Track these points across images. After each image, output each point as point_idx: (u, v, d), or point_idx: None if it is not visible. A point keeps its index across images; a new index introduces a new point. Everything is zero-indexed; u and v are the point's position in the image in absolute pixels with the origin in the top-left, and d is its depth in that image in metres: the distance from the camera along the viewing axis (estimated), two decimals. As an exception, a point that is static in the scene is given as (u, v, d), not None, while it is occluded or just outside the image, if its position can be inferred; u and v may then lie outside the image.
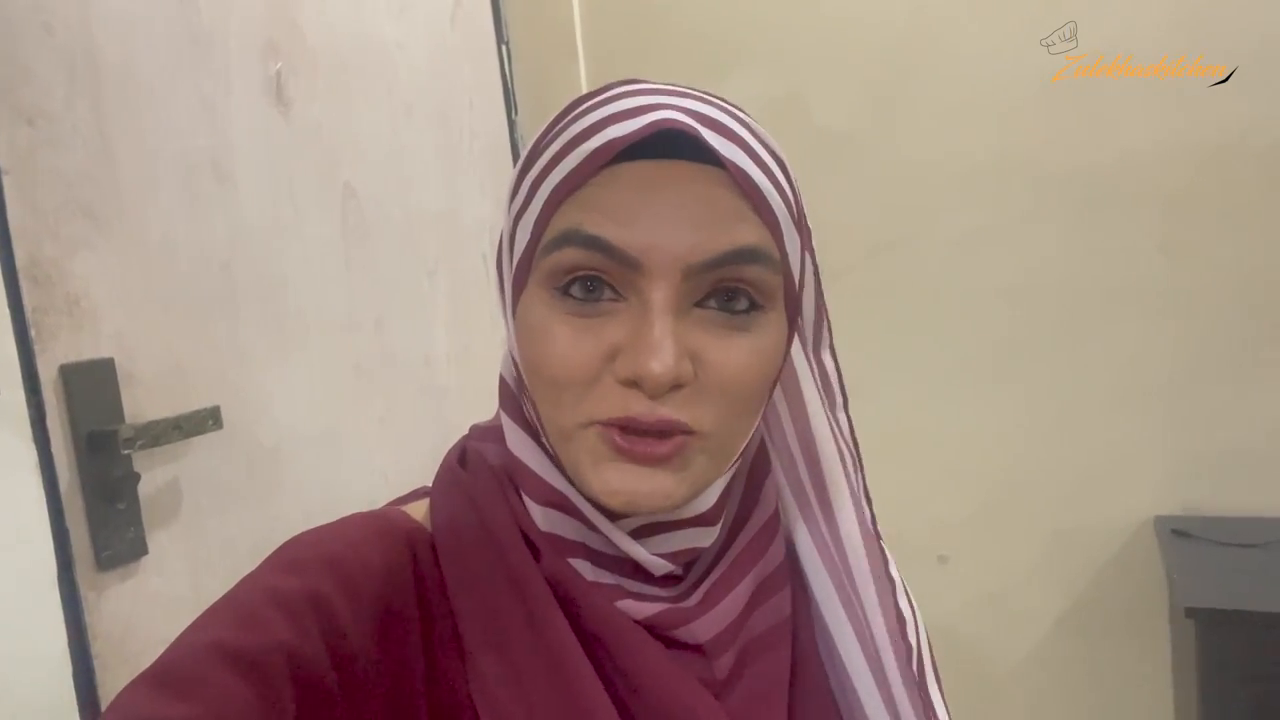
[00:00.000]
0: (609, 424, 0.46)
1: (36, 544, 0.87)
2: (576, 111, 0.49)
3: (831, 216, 1.81)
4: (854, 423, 0.59)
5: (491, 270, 1.65)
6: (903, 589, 0.57)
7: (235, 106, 1.14)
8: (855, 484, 0.58)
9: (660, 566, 0.51)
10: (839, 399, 0.58)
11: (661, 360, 0.43)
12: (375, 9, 1.43)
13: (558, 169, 0.47)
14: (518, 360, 0.51)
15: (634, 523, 0.51)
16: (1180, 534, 1.55)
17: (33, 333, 0.87)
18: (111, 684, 0.90)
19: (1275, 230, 1.56)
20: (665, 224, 0.44)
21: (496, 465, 0.54)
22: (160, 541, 0.99)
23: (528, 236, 0.48)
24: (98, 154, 0.95)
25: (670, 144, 0.45)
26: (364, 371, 1.35)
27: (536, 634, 0.48)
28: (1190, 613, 1.30)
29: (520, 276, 0.49)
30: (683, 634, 0.50)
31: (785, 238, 0.48)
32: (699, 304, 0.46)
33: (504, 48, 1.84)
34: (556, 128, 0.49)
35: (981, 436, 1.78)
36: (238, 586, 0.47)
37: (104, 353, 0.93)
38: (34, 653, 0.86)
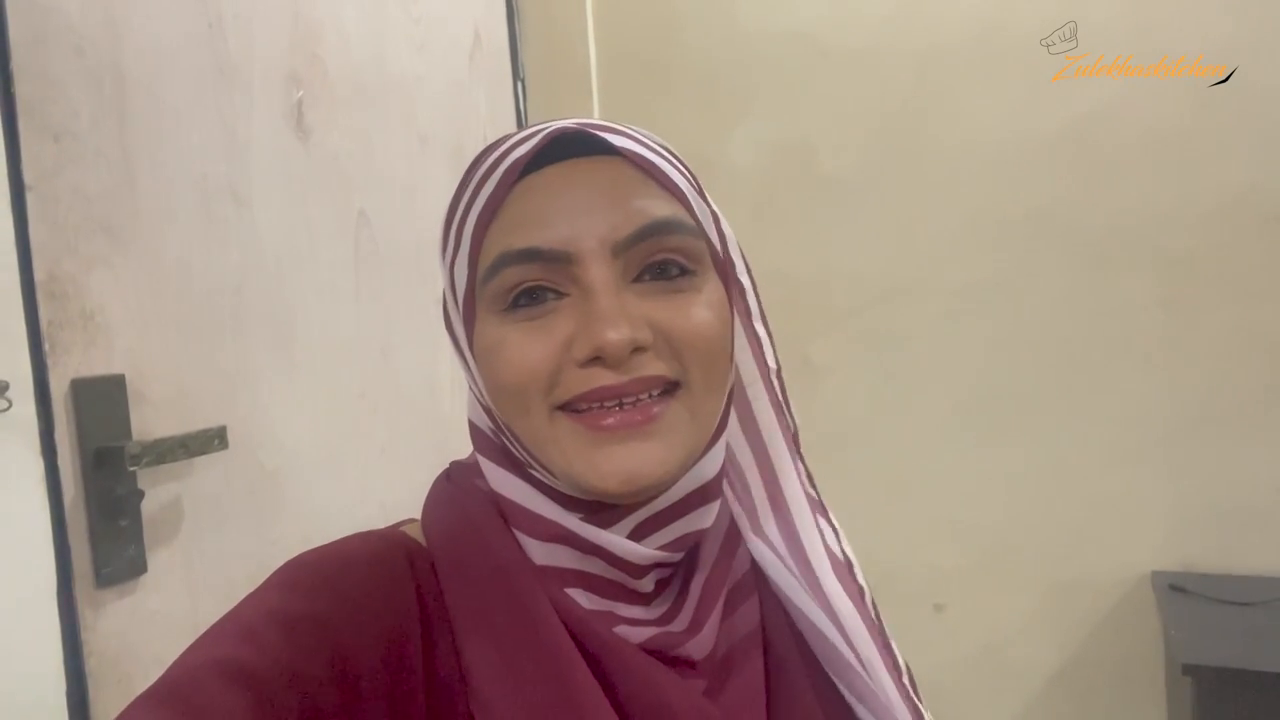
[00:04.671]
0: (580, 402, 0.47)
1: (38, 558, 0.87)
2: (482, 156, 0.52)
3: (835, 263, 1.84)
4: (786, 389, 0.60)
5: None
6: (843, 534, 0.59)
7: (256, 133, 1.16)
8: (795, 459, 0.59)
9: (666, 558, 0.51)
10: (774, 366, 0.59)
11: (617, 328, 0.45)
12: (396, 42, 1.46)
13: (475, 205, 0.50)
14: (483, 390, 0.52)
15: (634, 520, 0.51)
16: (1178, 590, 1.54)
17: (46, 346, 0.88)
18: (104, 702, 0.90)
19: (1275, 288, 1.58)
20: (583, 213, 0.47)
21: (486, 491, 0.54)
22: (159, 560, 0.98)
23: (465, 273, 0.50)
24: (120, 174, 0.97)
25: (567, 150, 0.49)
26: (368, 399, 1.35)
27: (538, 649, 0.48)
28: (1188, 670, 1.29)
29: (468, 313, 0.51)
30: (678, 654, 0.51)
31: (695, 207, 0.51)
32: (636, 280, 0.49)
33: (520, 84, 1.87)
34: (468, 176, 0.52)
35: (980, 487, 1.78)
36: (241, 605, 0.47)
37: (115, 369, 0.94)
38: (28, 668, 0.86)
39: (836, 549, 0.57)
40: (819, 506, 0.59)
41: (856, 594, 0.55)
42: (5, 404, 0.84)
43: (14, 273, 0.86)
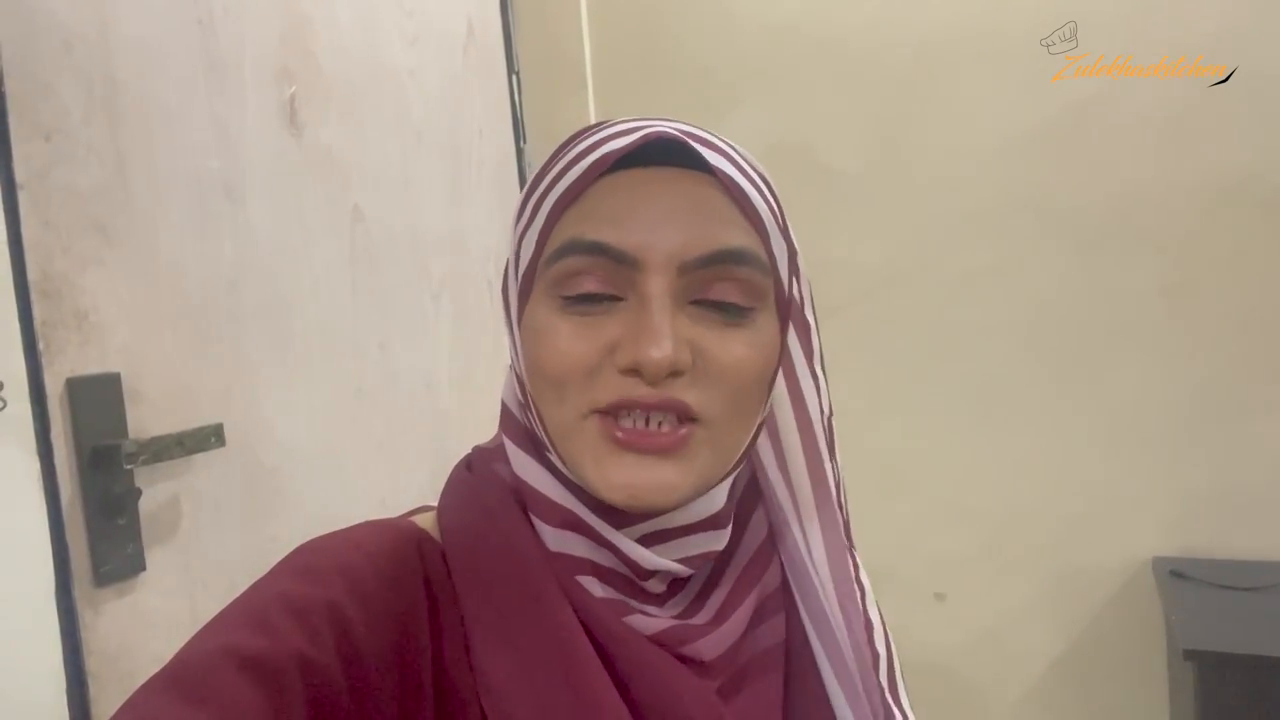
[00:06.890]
0: (610, 409, 0.47)
1: (36, 558, 0.87)
2: (578, 137, 0.52)
3: (834, 252, 1.84)
4: (835, 432, 0.60)
5: (496, 296, 1.66)
6: (871, 596, 0.58)
7: (249, 129, 1.15)
8: (837, 495, 0.59)
9: (677, 570, 0.51)
10: (827, 411, 0.59)
11: (660, 347, 0.45)
12: (389, 37, 1.46)
13: (559, 185, 0.50)
14: (522, 369, 0.52)
15: (644, 529, 0.51)
16: (1179, 575, 1.54)
17: (41, 345, 0.88)
18: (105, 701, 0.90)
19: (1275, 274, 1.58)
20: (659, 223, 0.47)
21: (506, 479, 0.55)
22: (158, 558, 0.98)
23: (532, 250, 0.51)
24: (112, 171, 0.96)
25: (662, 155, 0.49)
26: (365, 394, 1.35)
27: (548, 638, 0.48)
28: (1189, 655, 1.29)
29: (525, 288, 0.51)
30: (688, 651, 0.50)
31: (772, 242, 0.51)
32: (693, 302, 0.48)
33: (514, 78, 1.86)
34: (560, 153, 0.52)
35: (981, 474, 1.78)
36: (251, 591, 0.47)
37: (110, 367, 0.94)
38: (29, 668, 0.86)
39: (858, 598, 0.57)
40: (853, 551, 0.59)
41: (872, 660, 0.55)
42: (0, 404, 0.83)
43: (7, 272, 0.85)
